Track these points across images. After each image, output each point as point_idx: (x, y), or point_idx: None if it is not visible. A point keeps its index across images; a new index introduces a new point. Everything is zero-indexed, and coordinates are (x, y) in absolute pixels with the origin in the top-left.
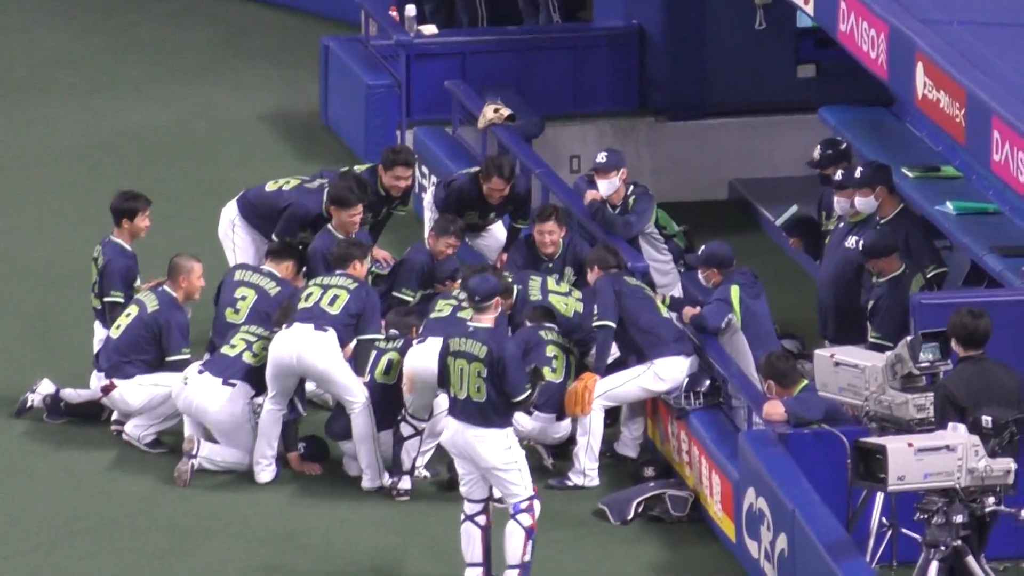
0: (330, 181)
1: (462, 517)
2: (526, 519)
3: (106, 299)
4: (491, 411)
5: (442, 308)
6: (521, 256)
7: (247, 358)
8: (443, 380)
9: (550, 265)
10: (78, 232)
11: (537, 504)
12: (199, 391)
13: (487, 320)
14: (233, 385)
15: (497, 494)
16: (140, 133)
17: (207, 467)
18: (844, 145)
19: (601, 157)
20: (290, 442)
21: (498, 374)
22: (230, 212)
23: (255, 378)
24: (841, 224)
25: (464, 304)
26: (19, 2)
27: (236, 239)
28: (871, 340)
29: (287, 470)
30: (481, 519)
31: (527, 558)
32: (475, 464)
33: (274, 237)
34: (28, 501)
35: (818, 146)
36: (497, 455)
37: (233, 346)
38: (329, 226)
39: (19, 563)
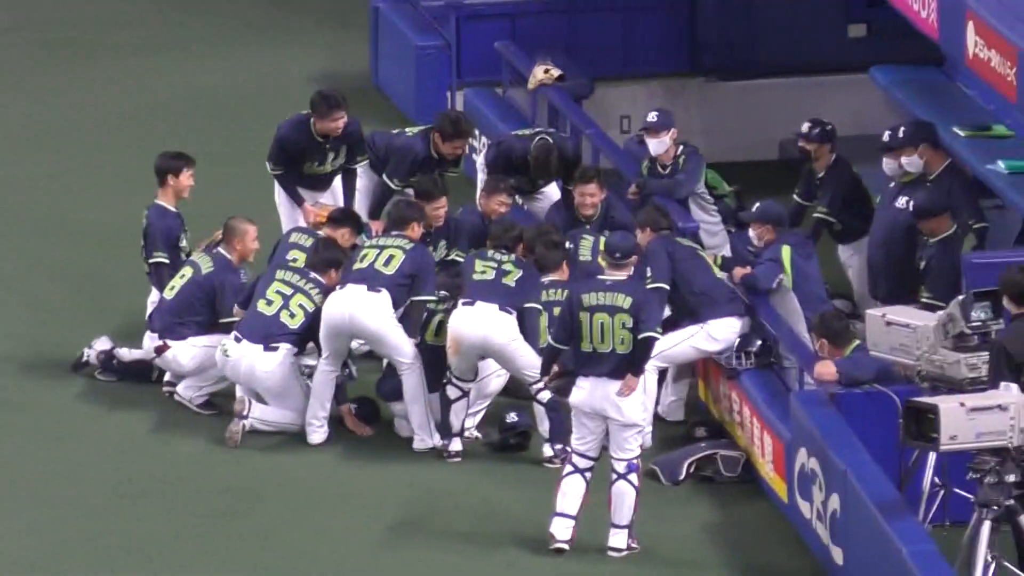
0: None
1: (568, 469)
2: (636, 479)
3: (150, 260)
4: (632, 354)
5: (484, 270)
6: (560, 217)
7: (284, 318)
8: (569, 337)
9: (587, 228)
10: (130, 193)
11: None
12: (243, 360)
13: (623, 274)
14: (275, 349)
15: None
16: (190, 95)
17: (259, 428)
18: (830, 126)
19: (652, 116)
20: (341, 399)
21: (642, 320)
22: None
23: (296, 337)
24: (892, 184)
25: (506, 269)
26: None
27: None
28: (923, 300)
29: (339, 431)
30: (589, 475)
31: (635, 517)
32: (608, 419)
33: (266, 164)
34: (81, 463)
35: (807, 122)
36: (637, 409)
37: (270, 302)
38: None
39: (71, 525)
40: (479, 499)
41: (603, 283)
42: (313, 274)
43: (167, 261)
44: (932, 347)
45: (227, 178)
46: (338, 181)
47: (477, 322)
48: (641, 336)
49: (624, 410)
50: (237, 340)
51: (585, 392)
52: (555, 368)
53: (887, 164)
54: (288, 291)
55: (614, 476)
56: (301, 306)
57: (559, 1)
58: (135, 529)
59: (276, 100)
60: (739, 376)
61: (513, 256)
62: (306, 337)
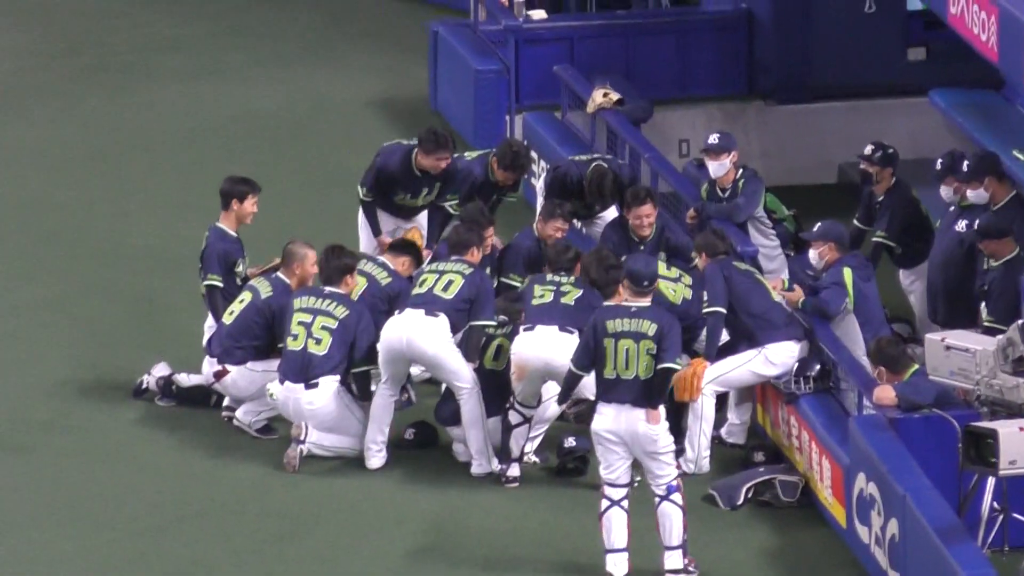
0: (418, 135)
1: (605, 504)
2: (680, 498)
3: (205, 283)
4: (655, 389)
5: (543, 294)
6: (615, 238)
7: (312, 348)
8: (592, 363)
9: (642, 248)
10: (183, 217)
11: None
12: (288, 401)
13: (646, 300)
14: (316, 385)
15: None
16: (245, 117)
17: (317, 453)
18: (892, 150)
19: (713, 138)
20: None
21: (664, 348)
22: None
23: (332, 364)
24: (951, 208)
25: (564, 290)
26: None
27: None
28: (985, 324)
29: (397, 455)
30: (626, 503)
31: (686, 536)
32: (634, 447)
33: (359, 187)
34: (138, 485)
35: (870, 144)
36: (663, 436)
37: (295, 337)
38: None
39: (127, 547)
40: (538, 523)
41: (628, 309)
42: (328, 289)
43: (221, 285)
44: (991, 371)
45: (285, 202)
46: (425, 214)
47: (538, 346)
48: (660, 367)
49: (653, 437)
50: (280, 382)
51: (608, 419)
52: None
53: (944, 191)
54: (308, 318)
55: (657, 500)
56: (324, 327)
57: (617, 25)
58: (193, 553)
59: (334, 124)
60: (798, 400)
61: (572, 277)
62: (346, 355)
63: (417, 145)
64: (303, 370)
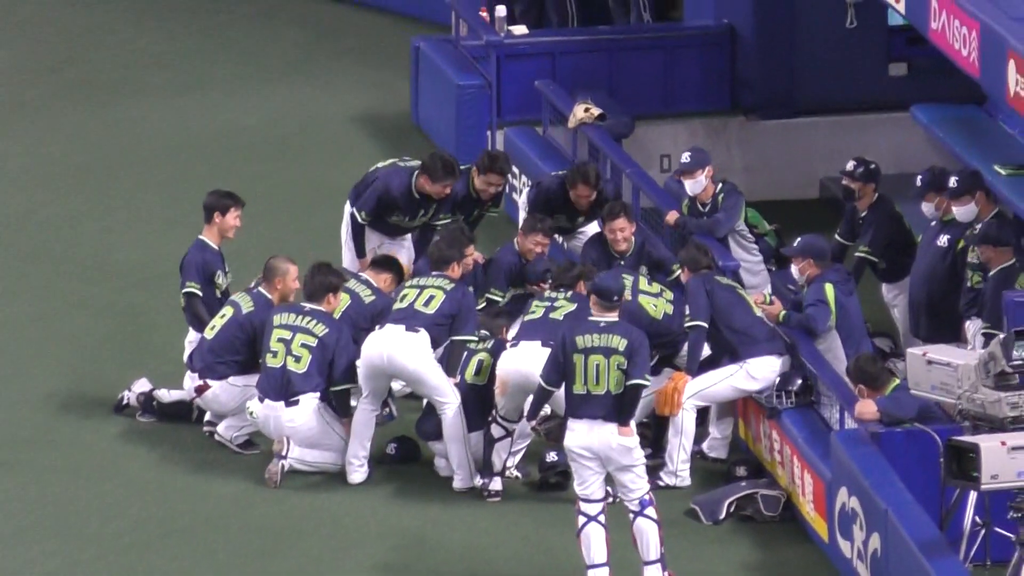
0: (422, 160)
1: (582, 520)
2: (654, 512)
3: (183, 291)
4: (621, 401)
5: (535, 310)
6: (595, 253)
7: (292, 366)
8: (561, 378)
9: (622, 263)
10: (168, 232)
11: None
12: (270, 419)
13: (614, 315)
14: (296, 403)
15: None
16: (230, 134)
17: (299, 468)
18: (874, 166)
19: (685, 157)
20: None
21: (633, 364)
22: (347, 209)
23: (312, 381)
24: (932, 223)
25: (557, 305)
26: (108, 5)
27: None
28: (982, 331)
29: (379, 470)
30: (603, 518)
31: (663, 549)
32: (607, 463)
33: (355, 210)
34: (121, 501)
35: (852, 160)
36: (635, 450)
37: (275, 354)
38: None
39: (112, 563)
40: (520, 538)
41: (597, 324)
42: (309, 306)
43: (199, 293)
44: (973, 386)
45: (269, 217)
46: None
47: (520, 361)
48: (630, 383)
49: (626, 449)
50: (260, 400)
51: (580, 434)
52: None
53: (925, 207)
54: (287, 335)
55: (631, 516)
56: (304, 345)
57: (599, 40)
58: (175, 568)
59: (319, 140)
60: (779, 415)
61: (570, 293)
62: (325, 372)
63: (420, 170)
64: (283, 388)
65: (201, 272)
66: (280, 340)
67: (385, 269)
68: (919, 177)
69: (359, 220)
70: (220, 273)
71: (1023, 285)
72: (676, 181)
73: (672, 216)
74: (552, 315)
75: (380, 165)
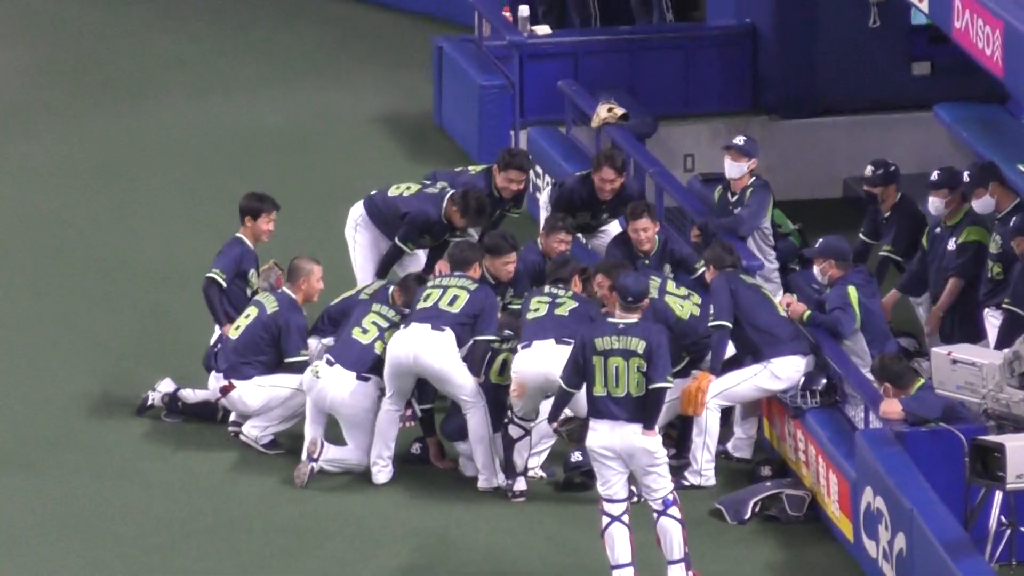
0: (455, 192)
1: (606, 521)
2: (677, 512)
3: (207, 274)
4: (644, 405)
5: (537, 308)
6: (619, 253)
7: (379, 348)
8: (582, 380)
9: (646, 262)
10: (191, 233)
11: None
12: (333, 384)
13: (634, 317)
14: (367, 379)
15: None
16: (252, 134)
17: (327, 469)
18: (894, 167)
19: (739, 139)
20: (429, 431)
21: (654, 366)
22: (356, 212)
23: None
24: (938, 229)
25: (559, 301)
26: (131, 6)
27: (358, 238)
28: (1004, 306)
29: (403, 469)
30: (627, 518)
31: (687, 549)
32: (630, 462)
33: (397, 241)
34: (146, 501)
35: (870, 165)
36: (658, 449)
37: (365, 331)
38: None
39: (136, 563)
40: (544, 538)
41: (616, 326)
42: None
43: (221, 281)
44: (998, 385)
45: (291, 217)
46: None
47: (537, 361)
48: (652, 387)
49: (650, 451)
50: (330, 363)
51: (603, 435)
52: (566, 412)
53: (933, 203)
54: (385, 324)
55: (655, 515)
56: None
57: (621, 40)
58: (199, 568)
59: (340, 140)
60: (804, 415)
61: (570, 290)
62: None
63: (451, 201)
64: (359, 362)
65: (234, 264)
66: (376, 324)
67: (408, 293)
68: (935, 172)
69: (406, 250)
70: (254, 272)
71: None
72: (699, 180)
73: (695, 231)
74: (557, 311)
75: (404, 192)
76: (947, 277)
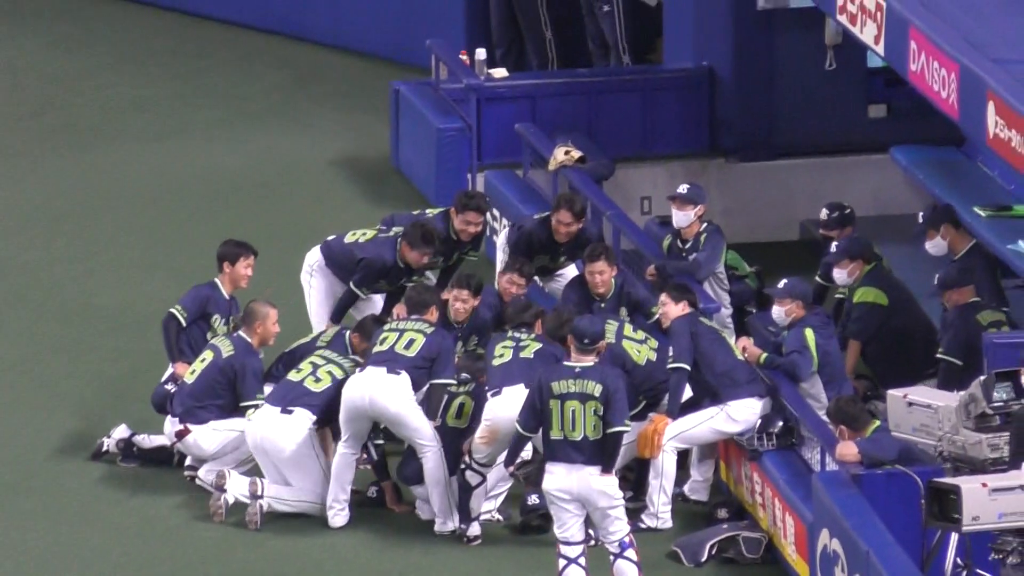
0: (404, 229)
1: (563, 563)
2: (633, 554)
3: (170, 309)
4: (602, 448)
5: (502, 353)
6: (575, 295)
7: (309, 384)
8: (538, 424)
9: (602, 305)
10: (150, 276)
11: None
12: (261, 424)
13: (589, 359)
14: (291, 412)
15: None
16: (210, 177)
17: (278, 508)
18: (848, 210)
19: (682, 188)
20: (383, 475)
21: (611, 410)
22: (312, 257)
23: (316, 402)
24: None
25: (523, 344)
26: (89, 49)
27: (314, 283)
28: (937, 355)
29: (360, 513)
30: (584, 560)
31: None
32: (586, 505)
33: (352, 286)
34: (102, 547)
35: (824, 208)
36: (614, 491)
37: (299, 370)
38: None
39: None
40: None
41: (572, 370)
42: (353, 355)
43: (180, 319)
44: (954, 427)
45: None
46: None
47: (509, 408)
48: (610, 431)
49: (605, 492)
50: (259, 407)
51: (559, 477)
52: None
53: (838, 275)
54: (321, 362)
55: (612, 558)
56: (330, 373)
57: (579, 83)
58: None
59: (299, 183)
60: (761, 457)
61: (533, 334)
62: (327, 409)
63: (402, 237)
64: (286, 397)
65: (199, 305)
66: (311, 363)
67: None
68: (834, 244)
69: (360, 295)
70: (219, 317)
71: (986, 320)
72: (657, 223)
73: (650, 270)
74: (522, 354)
75: (360, 239)
76: (847, 338)
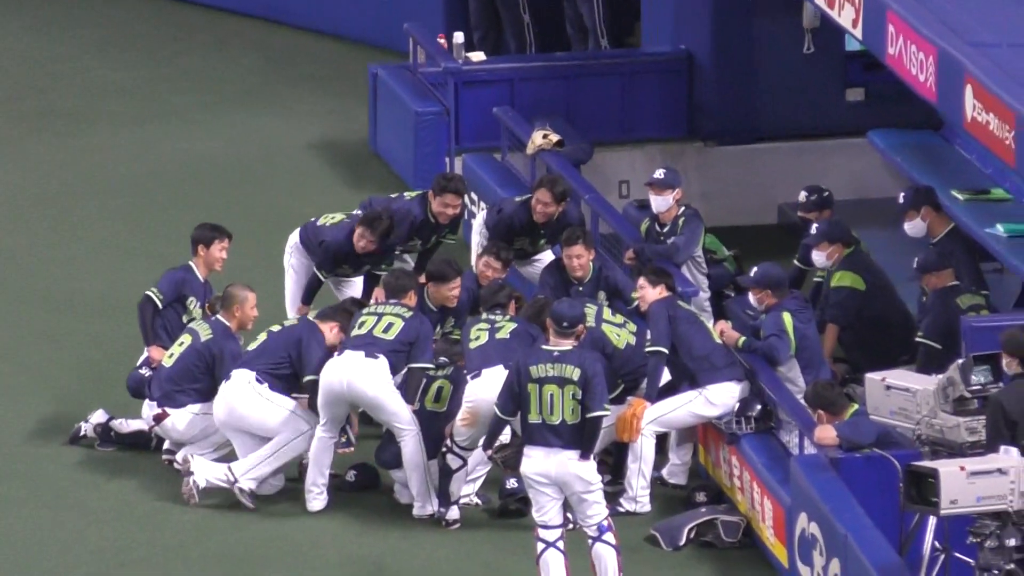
0: (362, 211)
1: (541, 547)
2: (612, 538)
3: (146, 292)
4: (581, 433)
5: (478, 336)
6: (552, 279)
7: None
8: (517, 408)
9: (580, 289)
10: (131, 262)
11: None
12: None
13: (568, 343)
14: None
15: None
16: (190, 162)
17: (264, 472)
18: (827, 193)
19: (659, 173)
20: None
21: (590, 395)
22: (292, 239)
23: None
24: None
25: (499, 325)
26: (69, 33)
27: (293, 263)
28: (916, 339)
29: (338, 497)
30: (562, 544)
31: (622, 575)
32: (564, 489)
33: (314, 269)
34: (80, 531)
35: (803, 191)
36: (592, 476)
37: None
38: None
39: None
40: (480, 565)
41: (550, 353)
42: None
43: (157, 301)
44: (932, 411)
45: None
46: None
47: (490, 389)
48: (589, 416)
49: (581, 477)
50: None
51: (536, 461)
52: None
53: (816, 257)
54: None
55: (590, 541)
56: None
57: (557, 67)
58: None
59: (278, 167)
60: (739, 441)
61: (508, 315)
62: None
63: (363, 224)
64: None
65: (175, 287)
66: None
67: (330, 318)
68: (814, 225)
69: (320, 277)
70: (194, 300)
71: (965, 304)
72: (635, 207)
73: (629, 254)
74: (498, 335)
75: (328, 222)
76: (825, 322)
